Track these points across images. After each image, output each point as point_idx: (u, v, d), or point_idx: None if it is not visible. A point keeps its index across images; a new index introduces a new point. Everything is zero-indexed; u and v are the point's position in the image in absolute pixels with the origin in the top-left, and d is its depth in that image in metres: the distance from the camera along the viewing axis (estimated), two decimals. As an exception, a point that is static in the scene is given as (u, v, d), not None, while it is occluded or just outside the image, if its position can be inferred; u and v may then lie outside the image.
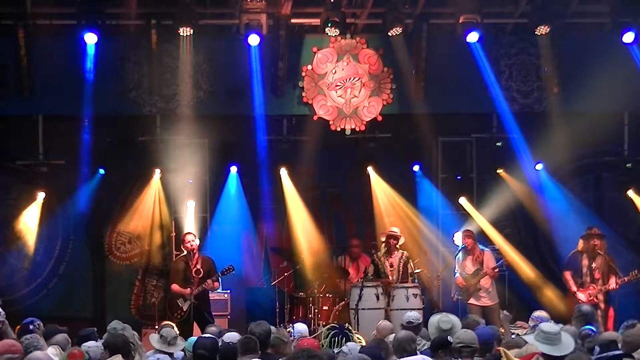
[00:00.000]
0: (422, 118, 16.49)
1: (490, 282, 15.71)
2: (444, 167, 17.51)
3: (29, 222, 16.65)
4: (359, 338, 10.01)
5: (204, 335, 9.18)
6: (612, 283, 15.17)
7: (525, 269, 16.93)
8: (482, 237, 16.56)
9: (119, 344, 8.97)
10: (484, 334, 9.06)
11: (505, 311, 13.49)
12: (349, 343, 9.75)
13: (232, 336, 9.46)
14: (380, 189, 17.44)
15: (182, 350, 9.61)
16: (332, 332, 9.50)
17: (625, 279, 15.15)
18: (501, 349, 7.65)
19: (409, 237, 16.64)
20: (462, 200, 17.29)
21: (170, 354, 9.52)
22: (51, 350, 8.65)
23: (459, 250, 15.82)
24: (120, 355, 8.76)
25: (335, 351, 8.93)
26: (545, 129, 16.44)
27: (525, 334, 9.98)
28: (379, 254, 15.77)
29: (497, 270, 15.72)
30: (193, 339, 9.72)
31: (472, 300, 15.60)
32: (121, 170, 16.95)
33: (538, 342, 8.08)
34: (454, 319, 9.68)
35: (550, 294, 16.47)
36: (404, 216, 17.25)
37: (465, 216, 17.26)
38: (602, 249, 15.39)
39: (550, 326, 8.24)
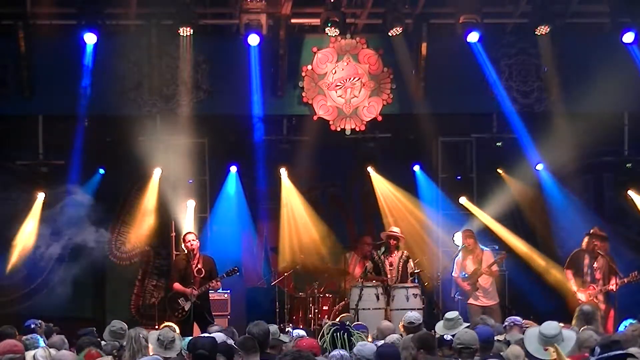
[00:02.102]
0: (422, 118, 16.49)
1: (490, 281, 15.71)
2: (444, 167, 17.50)
3: (29, 222, 16.66)
4: (360, 336, 9.97)
5: (202, 335, 9.14)
6: (612, 284, 15.18)
7: (536, 258, 16.86)
8: (484, 236, 16.55)
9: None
10: (485, 332, 9.03)
11: None
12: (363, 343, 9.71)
13: (218, 335, 9.41)
14: (380, 188, 17.43)
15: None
16: (334, 328, 9.46)
17: (625, 280, 15.15)
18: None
19: (409, 236, 16.63)
20: (463, 200, 17.30)
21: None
22: (40, 352, 8.66)
23: (459, 250, 15.81)
24: (110, 357, 8.78)
25: (342, 352, 8.89)
26: (545, 129, 16.44)
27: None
28: (378, 252, 15.78)
29: (495, 268, 15.71)
30: (189, 339, 9.71)
31: (471, 300, 15.61)
32: (121, 170, 16.93)
33: (539, 345, 8.06)
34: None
35: (560, 280, 16.26)
36: (404, 216, 17.23)
37: (465, 216, 17.26)
38: (602, 250, 15.39)
39: (549, 328, 8.22)
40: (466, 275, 15.64)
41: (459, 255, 15.82)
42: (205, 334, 9.84)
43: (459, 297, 15.74)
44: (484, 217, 16.98)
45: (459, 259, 15.83)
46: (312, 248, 17.14)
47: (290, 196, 17.26)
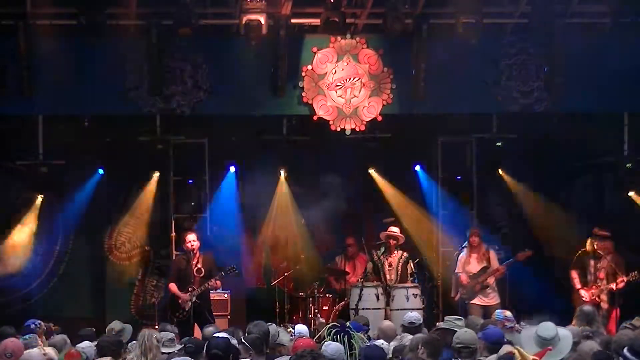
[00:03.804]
0: (422, 118, 16.49)
1: (492, 281, 15.75)
2: (444, 167, 17.51)
3: (27, 224, 16.67)
4: (361, 338, 10.02)
5: (216, 336, 9.20)
6: (614, 283, 15.22)
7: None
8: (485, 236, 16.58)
9: (109, 346, 9.01)
10: (494, 334, 9.00)
11: None
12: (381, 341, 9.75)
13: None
14: (380, 188, 17.43)
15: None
16: (334, 330, 9.51)
17: (625, 278, 15.19)
18: (516, 348, 7.62)
19: (409, 237, 16.63)
20: (464, 199, 17.32)
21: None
22: (36, 352, 8.70)
23: (463, 248, 15.82)
24: (110, 358, 8.80)
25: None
26: (545, 129, 16.44)
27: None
28: (378, 253, 15.80)
29: (503, 270, 15.75)
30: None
31: (475, 300, 15.62)
32: (121, 170, 16.93)
33: (535, 347, 8.07)
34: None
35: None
36: (404, 216, 17.22)
37: (466, 216, 17.28)
38: (604, 250, 15.43)
39: (546, 330, 8.22)
40: (470, 274, 15.63)
41: (464, 253, 15.83)
42: (218, 335, 9.87)
43: (463, 296, 15.73)
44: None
45: (464, 256, 15.84)
46: (289, 250, 17.15)
47: (281, 198, 17.27)
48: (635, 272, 15.18)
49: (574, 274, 15.48)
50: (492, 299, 15.72)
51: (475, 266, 15.71)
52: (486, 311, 15.25)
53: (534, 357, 7.51)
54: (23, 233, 16.72)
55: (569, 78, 15.93)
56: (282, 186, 17.29)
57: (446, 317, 10.49)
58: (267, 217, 17.34)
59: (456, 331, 9.39)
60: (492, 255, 15.87)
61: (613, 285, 15.19)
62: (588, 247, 15.43)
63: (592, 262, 15.40)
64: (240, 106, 16.02)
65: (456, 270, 15.92)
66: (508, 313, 11.52)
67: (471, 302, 15.65)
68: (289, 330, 11.38)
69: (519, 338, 9.01)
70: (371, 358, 8.44)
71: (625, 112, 16.95)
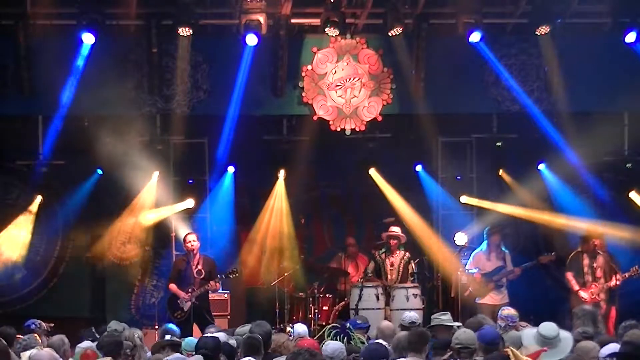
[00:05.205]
0: (422, 118, 16.49)
1: (506, 280, 15.85)
2: (444, 167, 17.51)
3: (27, 224, 16.69)
4: (360, 338, 10.04)
5: (206, 335, 9.21)
6: (614, 280, 15.25)
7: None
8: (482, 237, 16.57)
9: (107, 346, 9.02)
10: (490, 334, 9.01)
11: None
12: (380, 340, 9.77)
13: (219, 335, 9.46)
14: (381, 188, 17.42)
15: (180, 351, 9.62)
16: (334, 331, 9.53)
17: (626, 274, 15.26)
18: (510, 348, 7.63)
19: (409, 237, 16.63)
20: (464, 198, 17.30)
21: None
22: (35, 352, 8.70)
23: (484, 245, 15.85)
24: (110, 358, 8.81)
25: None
26: (545, 129, 16.44)
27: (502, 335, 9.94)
28: (379, 252, 15.81)
29: (518, 272, 15.81)
30: (190, 339, 9.76)
31: (485, 299, 15.65)
32: (121, 171, 16.91)
33: (537, 346, 8.07)
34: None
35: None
36: (405, 216, 17.21)
37: (466, 216, 17.28)
38: (602, 248, 15.45)
39: (548, 329, 8.22)
40: (484, 272, 15.68)
41: (482, 251, 15.85)
42: (209, 334, 9.89)
43: (477, 296, 15.74)
44: (502, 208, 16.92)
45: (482, 254, 15.84)
46: (288, 250, 17.16)
47: (280, 198, 17.28)
48: (636, 266, 15.22)
49: (570, 276, 15.49)
50: (502, 297, 15.73)
51: (491, 265, 15.76)
52: (496, 310, 15.26)
53: (528, 358, 7.51)
54: (23, 233, 16.71)
55: (569, 78, 15.94)
56: (282, 186, 17.29)
57: (432, 316, 10.51)
58: (266, 217, 17.33)
59: (445, 326, 9.42)
60: (508, 256, 15.95)
61: (613, 282, 15.22)
62: (582, 245, 15.45)
63: (587, 262, 15.41)
64: (240, 106, 16.01)
65: (468, 267, 15.92)
66: (512, 311, 11.51)
67: (481, 301, 15.67)
68: (287, 331, 11.41)
69: (519, 337, 9.02)
70: (372, 357, 8.43)
71: (625, 112, 16.97)
